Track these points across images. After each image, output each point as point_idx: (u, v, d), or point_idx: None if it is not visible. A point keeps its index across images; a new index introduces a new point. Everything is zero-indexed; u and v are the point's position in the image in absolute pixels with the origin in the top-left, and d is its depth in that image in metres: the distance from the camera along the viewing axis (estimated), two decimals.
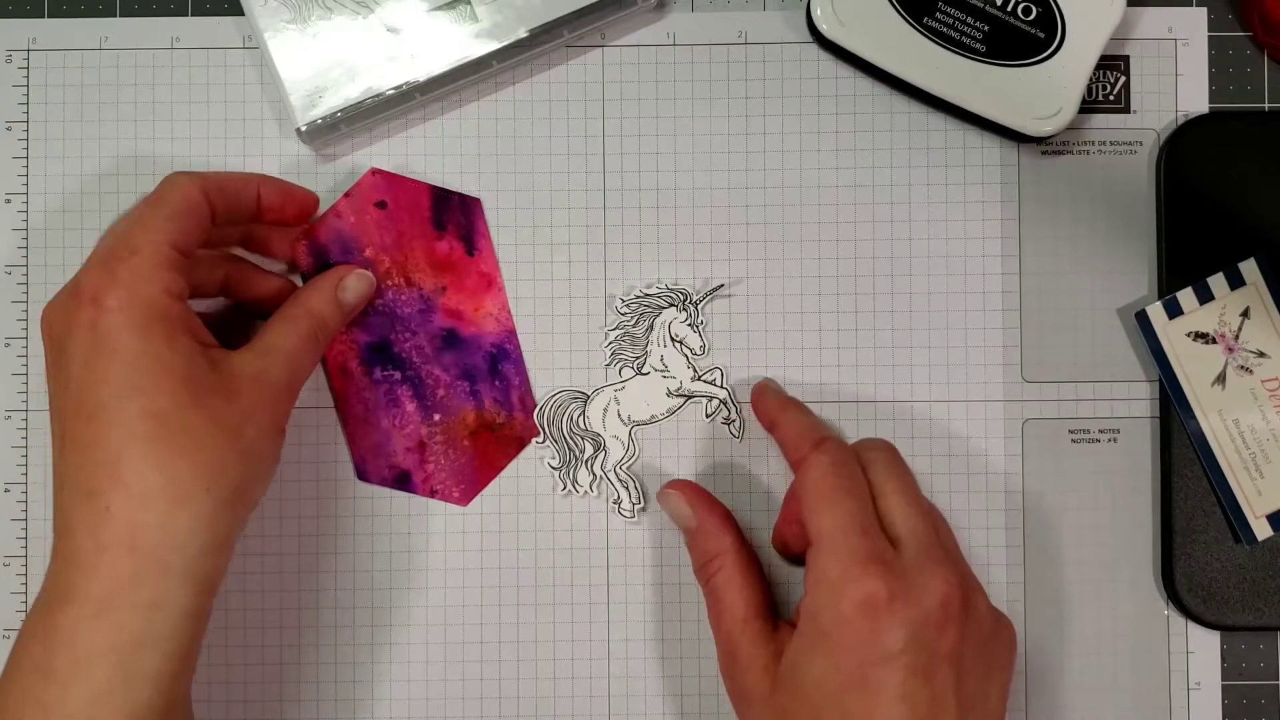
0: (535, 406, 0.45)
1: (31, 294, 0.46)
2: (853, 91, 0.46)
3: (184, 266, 0.38)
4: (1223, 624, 0.45)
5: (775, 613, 0.42)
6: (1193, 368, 0.45)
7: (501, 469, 0.45)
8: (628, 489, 0.45)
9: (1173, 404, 0.45)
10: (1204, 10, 0.46)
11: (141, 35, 0.46)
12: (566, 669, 0.45)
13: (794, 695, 0.37)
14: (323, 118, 0.44)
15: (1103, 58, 0.45)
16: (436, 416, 0.45)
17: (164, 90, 0.46)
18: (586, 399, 0.45)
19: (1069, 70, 0.44)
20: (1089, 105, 0.46)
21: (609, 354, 0.45)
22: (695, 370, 0.44)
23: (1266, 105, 0.46)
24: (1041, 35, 0.44)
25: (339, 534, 0.45)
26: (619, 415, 0.45)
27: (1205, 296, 0.45)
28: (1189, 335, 0.45)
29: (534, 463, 0.45)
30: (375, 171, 0.45)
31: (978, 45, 0.44)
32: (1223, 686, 0.45)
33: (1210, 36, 0.46)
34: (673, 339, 0.44)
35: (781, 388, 0.45)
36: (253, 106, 0.46)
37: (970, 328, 0.46)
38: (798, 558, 0.43)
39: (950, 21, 0.44)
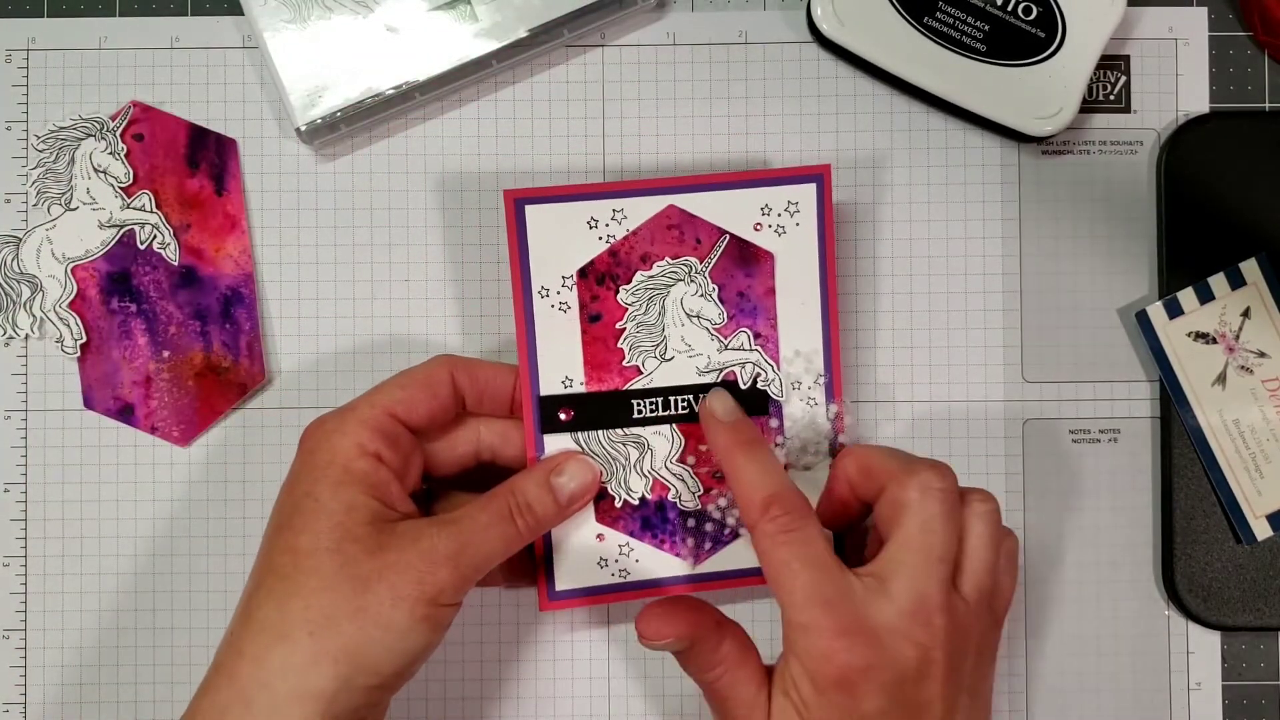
0: (262, 354, 0.45)
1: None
2: (853, 91, 0.46)
3: (392, 431, 0.38)
4: (1223, 624, 0.45)
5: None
6: (1193, 367, 0.45)
7: (222, 412, 0.45)
8: (69, 326, 0.44)
9: (1173, 404, 0.45)
10: (1204, 10, 0.46)
11: (141, 35, 0.46)
12: (566, 669, 0.45)
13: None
14: (323, 118, 0.44)
15: (1103, 58, 0.45)
16: (166, 353, 0.45)
17: (164, 90, 0.46)
18: (18, 242, 0.45)
19: (1069, 70, 0.44)
20: (1089, 105, 0.46)
21: (34, 194, 0.45)
22: (124, 199, 0.44)
23: (1266, 105, 0.46)
24: (1042, 35, 0.44)
25: None
26: (53, 254, 0.45)
27: (1206, 296, 0.45)
28: (1189, 335, 0.45)
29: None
30: (135, 104, 0.45)
31: (978, 45, 0.44)
32: (1223, 686, 0.45)
33: (1210, 36, 0.46)
34: (95, 170, 0.44)
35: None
36: (253, 106, 0.46)
37: (970, 328, 0.46)
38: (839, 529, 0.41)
39: (950, 21, 0.44)
